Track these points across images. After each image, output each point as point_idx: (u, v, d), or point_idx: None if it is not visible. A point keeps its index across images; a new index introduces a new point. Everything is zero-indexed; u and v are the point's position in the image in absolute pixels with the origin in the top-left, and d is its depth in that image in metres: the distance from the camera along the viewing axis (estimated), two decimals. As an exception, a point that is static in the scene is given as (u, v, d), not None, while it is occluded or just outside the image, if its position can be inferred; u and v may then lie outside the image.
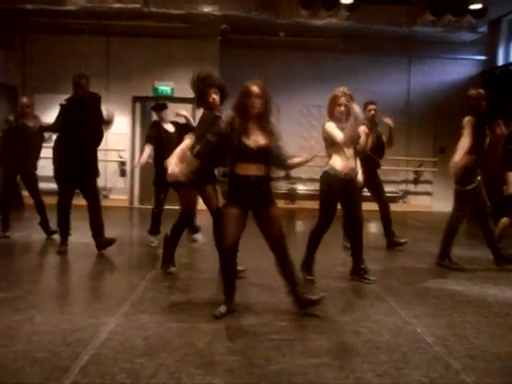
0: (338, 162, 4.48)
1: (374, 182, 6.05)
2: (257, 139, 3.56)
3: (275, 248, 3.65)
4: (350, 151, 4.51)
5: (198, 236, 6.11)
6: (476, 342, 3.28)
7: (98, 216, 5.57)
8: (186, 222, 4.86)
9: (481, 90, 5.09)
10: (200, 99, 4.48)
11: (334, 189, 4.46)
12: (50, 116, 9.36)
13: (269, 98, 3.63)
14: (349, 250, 5.97)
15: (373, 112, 6.01)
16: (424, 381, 2.70)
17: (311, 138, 9.74)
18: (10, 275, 4.58)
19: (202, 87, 4.43)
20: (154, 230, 6.06)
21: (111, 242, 5.55)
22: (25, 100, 6.49)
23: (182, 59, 10.10)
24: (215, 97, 4.45)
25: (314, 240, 4.61)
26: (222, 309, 3.59)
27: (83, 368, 2.70)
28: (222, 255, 3.73)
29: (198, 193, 4.55)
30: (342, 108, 4.42)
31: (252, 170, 3.54)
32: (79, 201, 5.77)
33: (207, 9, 9.27)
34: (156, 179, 5.97)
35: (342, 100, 4.42)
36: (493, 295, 4.40)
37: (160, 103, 6.50)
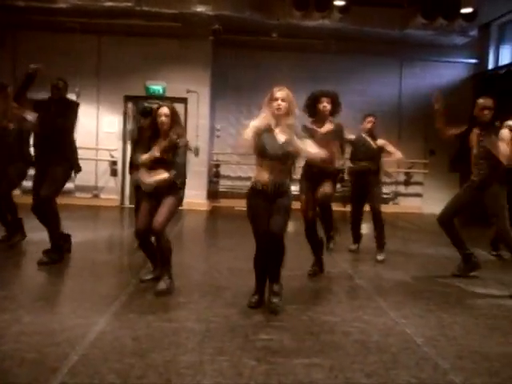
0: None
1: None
2: None
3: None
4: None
5: None
6: (465, 342, 3.31)
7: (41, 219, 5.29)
8: None
9: (485, 100, 4.87)
10: None
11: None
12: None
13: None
14: (353, 252, 6.01)
15: (371, 125, 5.98)
16: (412, 381, 2.72)
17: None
18: (-1, 274, 4.54)
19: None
20: None
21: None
22: None
23: (174, 59, 10.09)
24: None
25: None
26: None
27: (72, 368, 2.68)
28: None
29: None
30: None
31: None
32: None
33: (200, 8, 9.26)
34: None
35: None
36: (482, 296, 4.44)
37: (149, 109, 5.93)
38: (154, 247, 4.36)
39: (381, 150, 5.97)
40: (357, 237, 6.22)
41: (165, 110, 4.18)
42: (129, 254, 6.03)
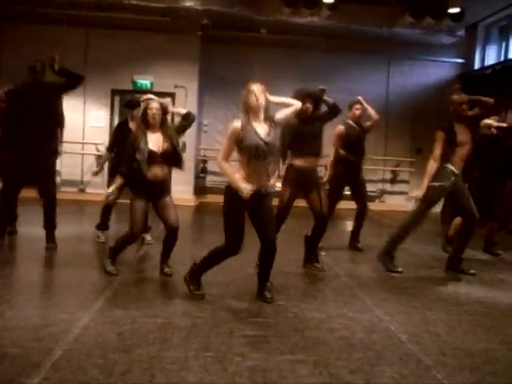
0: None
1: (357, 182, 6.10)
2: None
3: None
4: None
5: (148, 236, 5.81)
6: (448, 339, 3.34)
7: (51, 214, 5.34)
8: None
9: (460, 96, 5.00)
10: None
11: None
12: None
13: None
14: (360, 251, 6.03)
15: (359, 112, 6.01)
16: (396, 377, 2.74)
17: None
18: (-19, 269, 4.48)
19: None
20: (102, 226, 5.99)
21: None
22: None
23: (162, 53, 10.03)
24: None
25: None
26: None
27: (55, 363, 2.66)
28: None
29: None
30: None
31: None
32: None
33: (189, 3, 9.22)
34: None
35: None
36: (465, 294, 4.49)
37: (135, 100, 5.60)
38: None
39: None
40: None
41: (156, 103, 4.32)
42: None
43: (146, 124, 4.33)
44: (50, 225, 5.37)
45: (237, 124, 3.61)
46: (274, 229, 3.85)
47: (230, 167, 3.69)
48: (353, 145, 5.98)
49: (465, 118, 4.92)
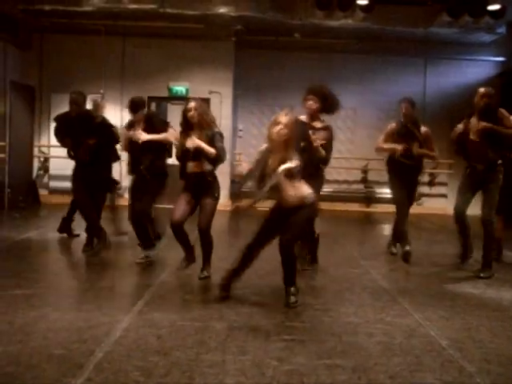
0: None
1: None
2: None
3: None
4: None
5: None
6: (491, 345, 3.25)
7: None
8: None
9: (485, 88, 5.05)
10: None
11: None
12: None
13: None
14: (394, 255, 5.84)
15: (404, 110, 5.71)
16: (437, 384, 2.69)
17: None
18: (26, 273, 4.63)
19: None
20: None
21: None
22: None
23: (196, 60, 10.15)
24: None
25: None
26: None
27: (97, 365, 2.73)
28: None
29: None
30: None
31: None
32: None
33: (222, 10, 9.29)
34: None
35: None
36: (508, 299, 4.35)
37: (138, 101, 5.23)
38: (187, 236, 4.56)
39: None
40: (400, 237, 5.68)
41: (192, 104, 4.47)
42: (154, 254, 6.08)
43: (187, 122, 4.48)
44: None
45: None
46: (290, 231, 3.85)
47: None
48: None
49: None
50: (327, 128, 4.86)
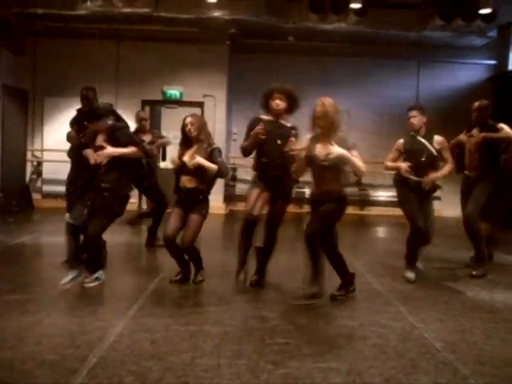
0: None
1: None
2: None
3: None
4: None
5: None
6: (485, 347, 3.26)
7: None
8: None
9: (478, 102, 5.35)
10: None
11: None
12: (59, 119, 9.53)
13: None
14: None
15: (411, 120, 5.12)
16: (432, 386, 2.69)
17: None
18: (20, 278, 4.61)
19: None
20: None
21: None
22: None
23: (191, 63, 10.15)
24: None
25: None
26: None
27: (91, 370, 2.72)
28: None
29: None
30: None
31: None
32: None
33: (216, 13, 9.31)
34: None
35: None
36: (501, 300, 4.37)
37: (104, 110, 4.69)
38: (180, 250, 4.52)
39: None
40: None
41: (189, 119, 4.53)
42: (146, 258, 6.08)
43: (185, 137, 4.54)
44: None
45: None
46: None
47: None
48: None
49: None
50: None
